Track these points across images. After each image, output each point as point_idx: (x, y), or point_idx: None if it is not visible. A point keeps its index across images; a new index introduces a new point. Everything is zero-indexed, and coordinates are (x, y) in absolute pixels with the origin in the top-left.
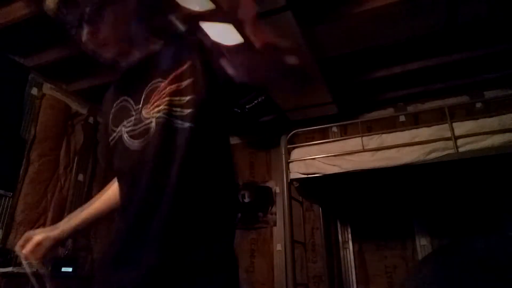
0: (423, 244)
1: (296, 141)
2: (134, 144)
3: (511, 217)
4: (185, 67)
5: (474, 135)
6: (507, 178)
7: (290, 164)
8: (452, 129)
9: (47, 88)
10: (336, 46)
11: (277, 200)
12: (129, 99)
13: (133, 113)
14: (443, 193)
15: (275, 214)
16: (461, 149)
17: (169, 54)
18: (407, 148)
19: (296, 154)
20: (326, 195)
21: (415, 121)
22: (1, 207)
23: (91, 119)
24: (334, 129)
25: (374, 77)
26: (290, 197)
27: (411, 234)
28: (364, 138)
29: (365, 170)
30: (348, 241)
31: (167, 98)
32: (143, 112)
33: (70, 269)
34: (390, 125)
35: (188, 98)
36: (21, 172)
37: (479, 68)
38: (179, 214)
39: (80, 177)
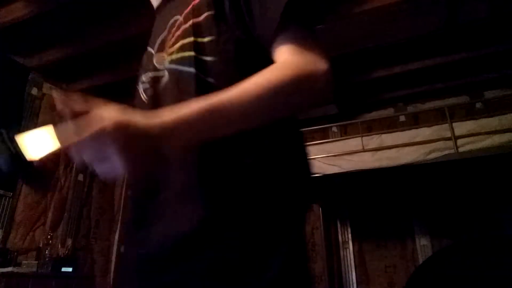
0: (423, 244)
1: None
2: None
3: (511, 217)
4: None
5: (474, 135)
6: (507, 178)
7: None
8: (452, 129)
9: (47, 88)
10: (336, 46)
11: None
12: (149, 48)
13: (150, 64)
14: (443, 193)
15: None
16: (461, 149)
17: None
18: (407, 148)
19: None
20: (326, 195)
21: (415, 121)
22: (1, 207)
23: None
24: (334, 129)
25: (374, 77)
26: None
27: (411, 234)
28: (364, 138)
29: (365, 170)
30: (348, 241)
31: (180, 42)
32: (155, 58)
33: (70, 269)
34: (390, 125)
35: (207, 39)
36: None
37: (479, 68)
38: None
39: (80, 177)
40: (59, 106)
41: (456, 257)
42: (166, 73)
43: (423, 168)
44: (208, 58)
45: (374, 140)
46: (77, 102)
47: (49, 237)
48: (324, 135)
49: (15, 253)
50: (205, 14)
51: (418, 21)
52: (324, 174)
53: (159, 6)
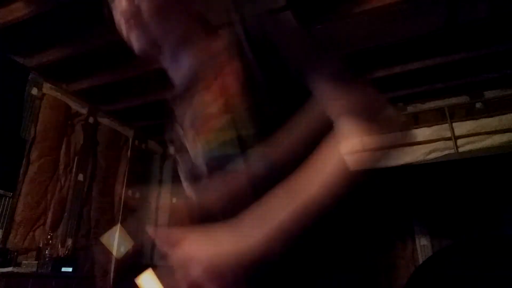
0: (423, 244)
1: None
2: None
3: (511, 217)
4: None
5: (474, 135)
6: (507, 178)
7: None
8: (452, 129)
9: (47, 88)
10: (336, 46)
11: None
12: (180, 128)
13: (186, 137)
14: (443, 193)
15: None
16: (461, 149)
17: (197, 63)
18: (407, 148)
19: None
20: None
21: (415, 121)
22: (1, 207)
23: (91, 119)
24: None
25: (374, 77)
26: None
27: (411, 234)
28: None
29: (365, 170)
30: None
31: (218, 122)
32: (193, 134)
33: (70, 269)
34: None
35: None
36: (21, 172)
37: (479, 68)
38: None
39: (80, 177)
40: (161, 246)
41: (456, 257)
42: (210, 161)
43: (423, 168)
44: (249, 132)
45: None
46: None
47: (49, 237)
48: None
49: (15, 253)
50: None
51: (418, 21)
52: None
53: (184, 89)
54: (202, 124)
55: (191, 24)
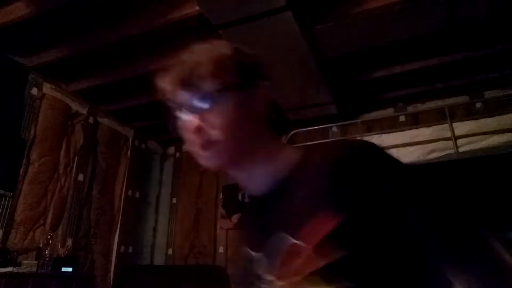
0: None
1: (296, 141)
2: None
3: (511, 217)
4: (340, 220)
5: (474, 135)
6: (507, 178)
7: None
8: (452, 129)
9: (47, 88)
10: (336, 46)
11: None
12: (257, 257)
13: (263, 274)
14: (443, 193)
15: None
16: (461, 149)
17: (308, 183)
18: (407, 148)
19: None
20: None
21: (415, 121)
22: (1, 207)
23: (91, 119)
24: (334, 129)
25: (374, 77)
26: None
27: None
28: (364, 138)
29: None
30: None
31: (306, 271)
32: (275, 279)
33: (70, 269)
34: (390, 125)
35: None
36: (21, 172)
37: (479, 68)
38: None
39: (80, 177)
40: None
41: None
42: None
43: (423, 168)
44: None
45: (374, 140)
46: None
47: (49, 237)
48: (324, 135)
49: (15, 253)
50: (340, 255)
51: (418, 21)
52: None
53: (257, 199)
54: (285, 263)
55: (261, 129)
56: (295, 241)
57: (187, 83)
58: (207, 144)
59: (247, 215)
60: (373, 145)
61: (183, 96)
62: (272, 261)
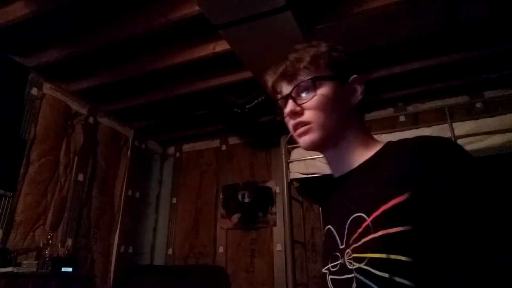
0: None
1: (296, 141)
2: None
3: None
4: (403, 198)
5: (474, 135)
6: (507, 178)
7: (290, 164)
8: (452, 129)
9: (47, 88)
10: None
11: (277, 200)
12: (333, 230)
13: (338, 254)
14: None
15: (275, 214)
16: None
17: (384, 167)
18: None
19: (296, 154)
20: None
21: (415, 121)
22: (1, 207)
23: (91, 119)
24: None
25: (374, 77)
26: (290, 197)
27: None
28: None
29: None
30: None
31: (368, 251)
32: (346, 256)
33: (70, 269)
34: (390, 125)
35: (405, 250)
36: (21, 172)
37: (479, 68)
38: None
39: (80, 177)
40: None
41: None
42: (355, 280)
43: None
44: (403, 258)
45: None
46: None
47: (49, 237)
48: None
49: (15, 253)
50: (398, 229)
51: (418, 21)
52: (324, 174)
53: (339, 178)
54: (351, 233)
55: (352, 116)
56: (361, 214)
57: (288, 75)
58: (299, 124)
59: (331, 193)
60: (455, 143)
61: (285, 86)
62: (344, 232)
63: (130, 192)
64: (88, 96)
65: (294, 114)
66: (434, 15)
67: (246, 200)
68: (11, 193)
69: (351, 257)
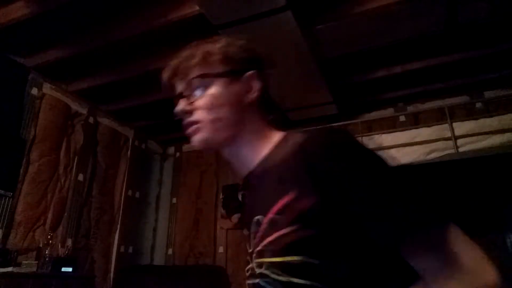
0: None
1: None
2: None
3: (511, 217)
4: (291, 197)
5: (474, 135)
6: (507, 178)
7: None
8: (452, 129)
9: (47, 88)
10: (336, 46)
11: None
12: (246, 229)
13: (249, 258)
14: (443, 193)
15: None
16: (461, 149)
17: (277, 164)
18: (407, 148)
19: None
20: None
21: (415, 121)
22: (1, 207)
23: (91, 119)
24: None
25: (374, 77)
26: None
27: None
28: (364, 138)
29: None
30: None
31: (268, 251)
32: (253, 261)
33: (70, 269)
34: (390, 125)
35: (298, 250)
36: (21, 172)
37: (479, 68)
38: None
39: (80, 177)
40: None
41: None
42: (259, 285)
43: (423, 168)
44: (297, 258)
45: (374, 140)
46: None
47: (49, 237)
48: None
49: (15, 253)
50: (287, 230)
51: (418, 21)
52: None
53: (245, 177)
54: (254, 236)
55: (250, 112)
56: (259, 216)
57: (179, 73)
58: (190, 123)
59: (245, 195)
60: (343, 133)
61: (179, 84)
62: (250, 235)
63: (130, 192)
64: (88, 96)
65: (185, 113)
66: (434, 15)
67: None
68: (11, 193)
69: (254, 262)
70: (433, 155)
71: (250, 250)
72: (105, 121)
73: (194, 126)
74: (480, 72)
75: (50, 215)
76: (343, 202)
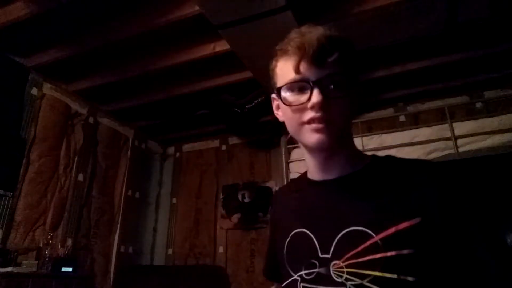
0: None
1: (296, 141)
2: None
3: (511, 217)
4: (415, 221)
5: (474, 135)
6: (507, 178)
7: (290, 164)
8: (452, 129)
9: (47, 88)
10: None
11: None
12: (312, 236)
13: (316, 261)
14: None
15: None
16: (461, 149)
17: (388, 185)
18: (407, 148)
19: (296, 154)
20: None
21: (415, 121)
22: (1, 207)
23: (91, 119)
24: None
25: (374, 77)
26: None
27: None
28: (364, 138)
29: None
30: None
31: (377, 269)
32: (332, 267)
33: (70, 269)
34: (390, 125)
35: (413, 271)
36: (21, 172)
37: (479, 68)
38: None
39: (80, 177)
40: None
41: None
42: None
43: None
44: (411, 279)
45: (374, 140)
46: None
47: (49, 237)
48: None
49: (15, 253)
50: (409, 251)
51: (418, 21)
52: None
53: (321, 182)
54: (344, 245)
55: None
56: (365, 229)
57: (321, 57)
58: (317, 119)
59: (297, 196)
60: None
61: (313, 69)
62: (332, 241)
63: (130, 192)
64: (88, 96)
65: (325, 107)
66: (434, 15)
67: (246, 200)
68: (11, 193)
69: (343, 270)
70: (433, 155)
71: (325, 255)
72: (105, 121)
73: (324, 125)
74: (480, 72)
75: (50, 215)
76: (458, 239)
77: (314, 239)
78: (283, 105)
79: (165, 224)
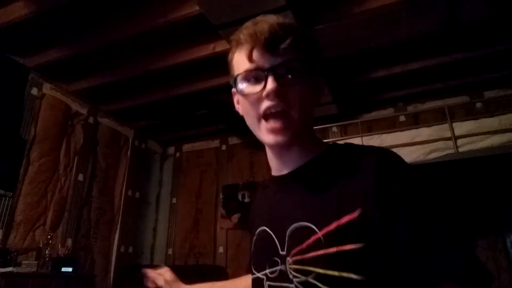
0: None
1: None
2: None
3: (511, 217)
4: (356, 214)
5: (474, 135)
6: (507, 178)
7: None
8: (452, 129)
9: (47, 88)
10: (336, 46)
11: None
12: (272, 234)
13: (278, 259)
14: (443, 193)
15: None
16: (461, 149)
17: (335, 177)
18: (407, 148)
19: None
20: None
21: (415, 121)
22: (1, 207)
23: (91, 119)
24: (334, 129)
25: (374, 77)
26: None
27: None
28: (364, 138)
29: None
30: None
31: (319, 266)
32: (287, 264)
33: (70, 269)
34: (390, 125)
35: (356, 268)
36: (21, 172)
37: (479, 68)
38: None
39: (80, 177)
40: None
41: None
42: None
43: (423, 168)
44: (354, 276)
45: (374, 140)
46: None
47: (49, 237)
48: (324, 135)
49: (15, 253)
50: (351, 247)
51: (418, 21)
52: None
53: (280, 177)
54: (295, 242)
55: (312, 115)
56: (309, 224)
57: (274, 44)
58: (284, 114)
59: (263, 193)
60: (401, 159)
61: (267, 56)
62: (285, 237)
63: (130, 192)
64: (88, 96)
65: (280, 97)
66: (434, 15)
67: (246, 200)
68: (11, 193)
69: (292, 267)
70: (433, 155)
71: (283, 253)
72: (105, 121)
73: (280, 125)
74: (480, 72)
75: (50, 215)
76: (397, 233)
77: (274, 237)
78: (241, 98)
79: (165, 224)
